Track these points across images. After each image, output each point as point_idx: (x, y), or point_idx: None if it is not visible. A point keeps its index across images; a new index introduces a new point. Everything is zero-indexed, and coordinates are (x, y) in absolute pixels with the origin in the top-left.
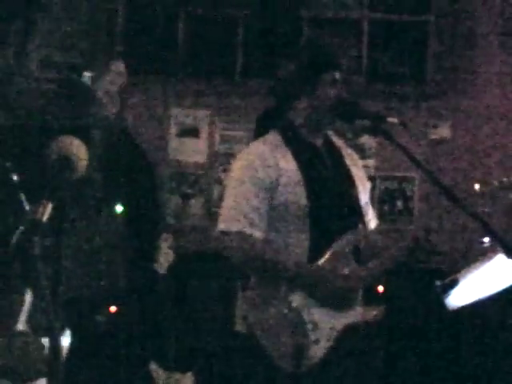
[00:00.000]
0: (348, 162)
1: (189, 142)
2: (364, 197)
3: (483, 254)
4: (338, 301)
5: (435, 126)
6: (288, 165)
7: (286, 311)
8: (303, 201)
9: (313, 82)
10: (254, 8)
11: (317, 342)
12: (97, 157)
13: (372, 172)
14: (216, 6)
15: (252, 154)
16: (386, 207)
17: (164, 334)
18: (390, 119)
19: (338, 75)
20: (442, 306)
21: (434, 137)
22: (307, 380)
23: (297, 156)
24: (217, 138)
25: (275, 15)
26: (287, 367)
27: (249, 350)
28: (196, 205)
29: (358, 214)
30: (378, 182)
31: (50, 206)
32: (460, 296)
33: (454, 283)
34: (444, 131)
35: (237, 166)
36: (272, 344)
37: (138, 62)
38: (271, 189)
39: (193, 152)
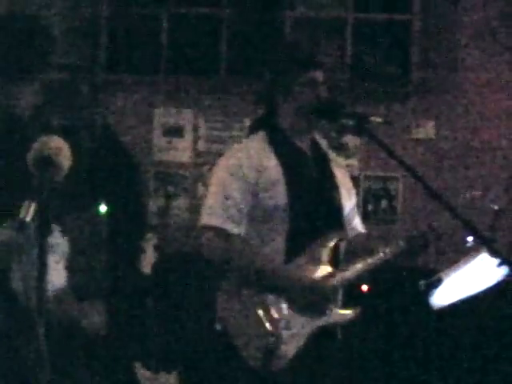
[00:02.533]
0: (333, 167)
1: (173, 141)
2: (349, 203)
3: (467, 253)
4: (311, 306)
5: (419, 125)
6: (270, 165)
7: (258, 309)
8: (283, 201)
9: (288, 83)
10: (237, 7)
11: (288, 341)
12: (81, 156)
13: (356, 171)
14: (199, 4)
15: (237, 153)
16: (369, 207)
17: (148, 334)
18: (374, 118)
19: (319, 75)
20: (427, 305)
21: (417, 136)
22: (277, 380)
23: (280, 158)
24: (201, 137)
25: (259, 14)
26: (258, 366)
27: (223, 349)
28: (180, 204)
29: (338, 217)
30: (361, 181)
31: (33, 206)
32: (444, 295)
33: (437, 282)
34: (428, 130)
35: (221, 163)
36: (244, 342)
37: (122, 62)
38: (253, 188)
39: (177, 152)
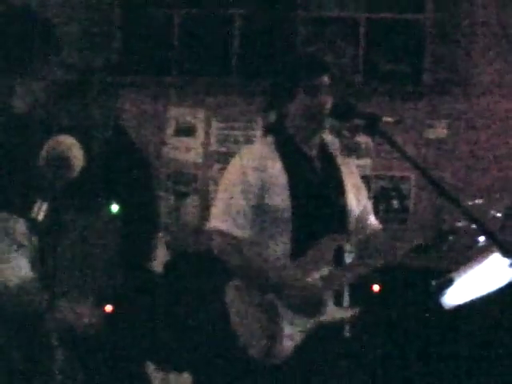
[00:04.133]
0: (343, 170)
1: (185, 141)
2: (358, 204)
3: (479, 253)
4: (308, 304)
5: (431, 126)
6: (275, 171)
7: (262, 303)
8: (287, 205)
9: (292, 87)
10: (250, 7)
11: (290, 336)
12: (93, 156)
13: (368, 171)
14: (211, 5)
15: (243, 158)
16: (381, 206)
17: (160, 333)
18: (386, 118)
19: (324, 80)
20: (438, 305)
21: (430, 136)
22: (278, 372)
23: (285, 163)
24: (213, 137)
25: (272, 14)
26: (259, 357)
27: (224, 338)
28: (192, 204)
29: (341, 220)
30: (373, 181)
31: (45, 206)
32: (455, 295)
33: (449, 282)
34: (440, 131)
35: (230, 168)
36: (246, 333)
37: (135, 62)
38: (258, 192)
39: (189, 151)
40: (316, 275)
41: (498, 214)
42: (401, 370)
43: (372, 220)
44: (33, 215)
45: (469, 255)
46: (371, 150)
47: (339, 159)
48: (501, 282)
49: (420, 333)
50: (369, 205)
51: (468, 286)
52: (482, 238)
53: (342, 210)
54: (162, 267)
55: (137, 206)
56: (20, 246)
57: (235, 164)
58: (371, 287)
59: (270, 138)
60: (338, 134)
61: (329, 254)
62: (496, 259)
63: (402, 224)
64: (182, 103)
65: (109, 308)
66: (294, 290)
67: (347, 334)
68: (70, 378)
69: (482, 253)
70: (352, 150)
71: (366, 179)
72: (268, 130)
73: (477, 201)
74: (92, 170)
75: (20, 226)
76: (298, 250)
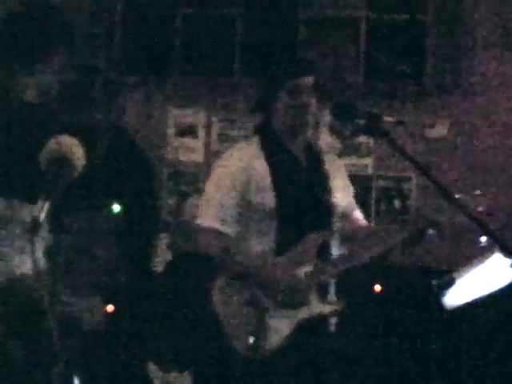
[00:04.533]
0: (329, 168)
1: (186, 141)
2: (344, 201)
3: (480, 254)
4: (292, 299)
5: (433, 125)
6: (260, 170)
7: (248, 298)
8: (272, 203)
9: (276, 88)
10: (251, 7)
11: (276, 330)
12: (94, 156)
13: (369, 171)
14: (213, 5)
15: (230, 157)
16: (382, 206)
17: (161, 333)
18: (387, 118)
19: (306, 81)
20: (439, 305)
21: (431, 136)
22: (261, 366)
23: (270, 162)
24: (214, 137)
25: (273, 14)
26: (245, 352)
27: (210, 331)
28: (193, 204)
29: (325, 218)
30: (375, 180)
31: (46, 206)
32: (457, 295)
33: (450, 282)
34: (441, 130)
35: (216, 166)
36: (233, 329)
37: (136, 62)
38: (243, 190)
39: (190, 151)
40: (299, 271)
41: (480, 209)
42: (402, 370)
43: (358, 216)
44: (34, 215)
45: (470, 255)
46: (372, 149)
47: (326, 158)
48: (502, 282)
49: (422, 333)
50: (354, 202)
51: (469, 286)
52: (483, 238)
53: (327, 208)
54: (164, 267)
55: (138, 206)
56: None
57: (222, 163)
58: (372, 287)
59: (256, 138)
60: (338, 133)
61: (312, 251)
62: (497, 259)
63: (404, 224)
64: (183, 103)
65: (110, 308)
66: (278, 285)
67: (333, 329)
68: (69, 375)
69: (483, 253)
70: (353, 150)
71: (367, 179)
72: (255, 129)
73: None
74: (94, 170)
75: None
76: (283, 246)
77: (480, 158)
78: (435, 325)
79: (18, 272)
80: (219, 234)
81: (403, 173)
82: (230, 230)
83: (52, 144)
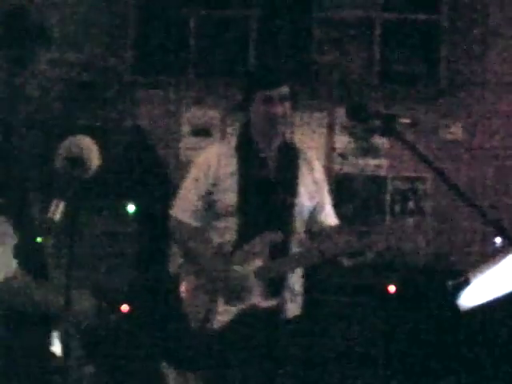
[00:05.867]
0: (302, 168)
1: (201, 141)
2: (311, 201)
3: (495, 254)
4: (235, 291)
5: (447, 127)
6: (228, 169)
7: (205, 285)
8: (233, 203)
9: (248, 98)
10: (265, 8)
11: (223, 313)
12: (109, 156)
13: (384, 172)
14: (227, 6)
15: (203, 156)
16: (397, 208)
17: (175, 333)
18: (401, 119)
19: (275, 94)
20: (454, 306)
21: (446, 137)
22: (209, 341)
23: (240, 162)
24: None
25: (287, 15)
26: (198, 328)
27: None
28: None
29: (284, 219)
30: (389, 181)
31: (62, 205)
32: (472, 296)
33: (465, 283)
34: (456, 131)
35: (193, 164)
36: (193, 310)
37: (151, 63)
38: (209, 188)
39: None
40: (249, 267)
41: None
42: (414, 372)
43: (326, 215)
44: (49, 215)
45: (485, 256)
46: (387, 150)
47: (302, 157)
48: None
49: (437, 334)
50: (327, 201)
51: (484, 287)
52: (498, 239)
53: (288, 209)
54: (178, 268)
55: (153, 206)
56: (9, 247)
57: (197, 160)
58: (387, 288)
59: (232, 139)
60: (353, 134)
61: (263, 249)
62: None
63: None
64: (198, 104)
65: (125, 308)
66: (226, 278)
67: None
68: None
69: (498, 253)
70: (367, 151)
71: (382, 180)
72: (237, 130)
73: None
74: (109, 170)
75: (10, 230)
76: (242, 243)
77: (495, 159)
78: (451, 326)
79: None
80: (186, 225)
81: (418, 174)
82: (195, 223)
83: (67, 144)
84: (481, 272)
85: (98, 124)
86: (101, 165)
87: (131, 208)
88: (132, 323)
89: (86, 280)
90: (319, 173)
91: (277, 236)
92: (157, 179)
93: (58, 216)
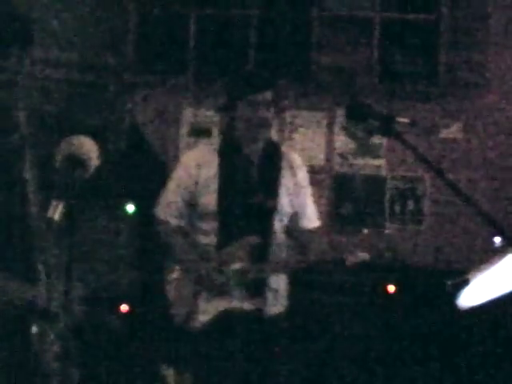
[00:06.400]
0: (284, 171)
1: (200, 141)
2: (292, 204)
3: (494, 254)
4: (217, 292)
5: (446, 126)
6: (210, 172)
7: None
8: (214, 205)
9: (234, 101)
10: (265, 8)
11: (204, 311)
12: (108, 156)
13: (383, 172)
14: (227, 6)
15: (187, 157)
16: (396, 208)
17: (175, 334)
18: (401, 119)
19: (267, 96)
20: (453, 306)
21: (445, 136)
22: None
23: (222, 165)
24: None
25: (287, 15)
26: (180, 324)
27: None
28: None
29: (263, 222)
30: (388, 181)
31: (61, 205)
32: (471, 296)
33: (464, 283)
34: (455, 131)
35: (177, 166)
36: (178, 308)
37: (150, 63)
38: (190, 190)
39: None
40: (228, 269)
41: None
42: (414, 372)
43: (308, 220)
44: (49, 215)
45: (485, 256)
46: (386, 150)
47: (286, 160)
48: None
49: (436, 334)
50: (309, 204)
51: (484, 287)
52: (497, 239)
53: (268, 213)
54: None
55: (152, 206)
56: None
57: (180, 163)
58: (386, 288)
59: (216, 141)
60: (352, 134)
61: (242, 253)
62: None
63: (418, 225)
64: (197, 104)
65: (125, 308)
66: (206, 278)
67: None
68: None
69: (498, 253)
70: (367, 151)
71: (380, 180)
72: (220, 132)
73: None
74: (108, 170)
75: None
76: (223, 245)
77: (494, 158)
78: (450, 325)
79: None
80: (170, 225)
81: (417, 173)
82: (178, 222)
83: (67, 144)
84: (480, 272)
85: (97, 124)
86: (101, 165)
87: (131, 208)
88: (131, 323)
89: (86, 280)
90: (302, 177)
91: (254, 240)
92: (156, 179)
93: (57, 216)
